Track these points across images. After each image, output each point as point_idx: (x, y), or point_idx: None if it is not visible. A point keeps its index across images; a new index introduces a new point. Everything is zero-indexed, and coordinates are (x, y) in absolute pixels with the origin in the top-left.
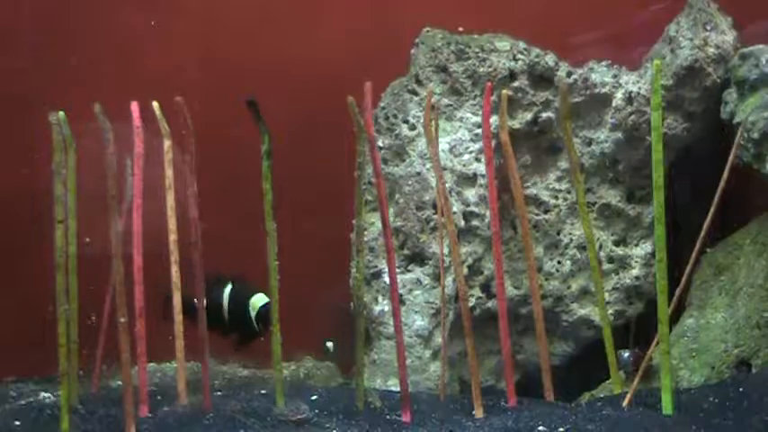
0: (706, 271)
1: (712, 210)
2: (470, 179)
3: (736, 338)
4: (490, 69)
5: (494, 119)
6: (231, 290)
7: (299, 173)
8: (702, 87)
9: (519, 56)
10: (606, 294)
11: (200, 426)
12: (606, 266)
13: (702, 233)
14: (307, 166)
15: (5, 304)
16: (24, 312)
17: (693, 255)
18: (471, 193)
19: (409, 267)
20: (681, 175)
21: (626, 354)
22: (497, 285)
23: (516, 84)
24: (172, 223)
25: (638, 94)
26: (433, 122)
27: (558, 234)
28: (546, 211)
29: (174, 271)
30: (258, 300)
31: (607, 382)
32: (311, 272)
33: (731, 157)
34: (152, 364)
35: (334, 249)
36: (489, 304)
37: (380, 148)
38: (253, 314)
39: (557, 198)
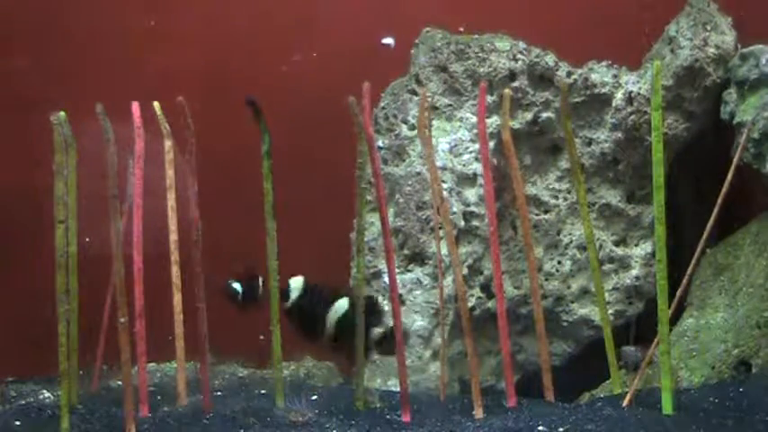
0: (706, 271)
1: (716, 210)
2: (470, 179)
3: (736, 338)
4: (490, 69)
5: (494, 119)
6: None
7: (300, 173)
8: (702, 87)
9: (519, 56)
10: (606, 294)
11: (200, 426)
12: (606, 266)
13: (705, 234)
14: (307, 166)
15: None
16: (24, 312)
17: (696, 255)
18: (471, 193)
19: (409, 267)
20: (681, 174)
21: (632, 348)
22: (496, 285)
23: (516, 84)
24: (172, 223)
25: (638, 94)
26: (430, 124)
27: (558, 234)
28: (546, 211)
29: (175, 271)
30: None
31: (607, 382)
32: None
33: (736, 159)
34: (152, 364)
35: (335, 249)
36: (489, 304)
37: (380, 149)
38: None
39: (557, 198)
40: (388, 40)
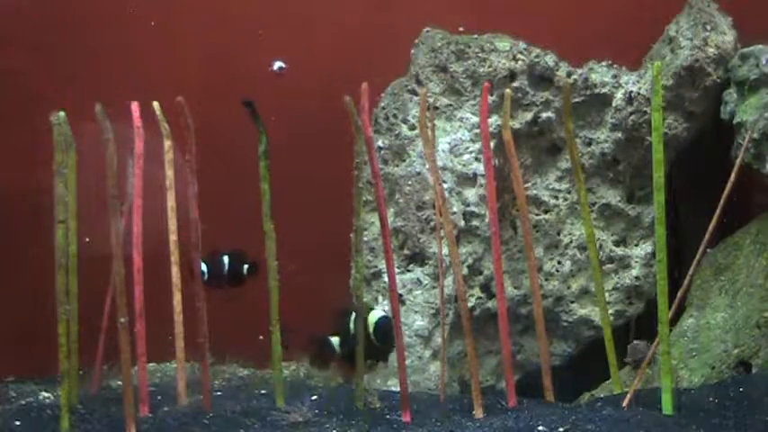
0: (706, 271)
1: (718, 211)
2: (470, 179)
3: (736, 338)
4: (490, 69)
5: (494, 119)
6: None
7: (300, 173)
8: (702, 87)
9: (519, 56)
10: (606, 294)
11: (200, 426)
12: (606, 266)
13: (707, 234)
14: (307, 166)
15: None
16: (24, 312)
17: (698, 255)
18: (471, 193)
19: (409, 267)
20: (681, 174)
21: (641, 344)
22: (497, 285)
23: (516, 84)
24: (172, 224)
25: (639, 94)
26: (431, 123)
27: (558, 234)
28: (546, 212)
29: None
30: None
31: (607, 382)
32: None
33: (738, 159)
34: (152, 364)
35: (335, 249)
36: (489, 304)
37: (380, 149)
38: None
39: (557, 198)
40: (279, 66)
